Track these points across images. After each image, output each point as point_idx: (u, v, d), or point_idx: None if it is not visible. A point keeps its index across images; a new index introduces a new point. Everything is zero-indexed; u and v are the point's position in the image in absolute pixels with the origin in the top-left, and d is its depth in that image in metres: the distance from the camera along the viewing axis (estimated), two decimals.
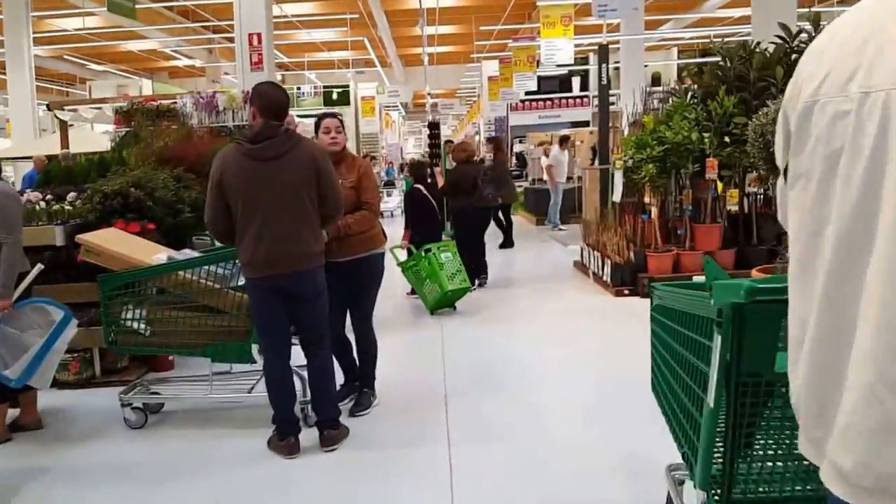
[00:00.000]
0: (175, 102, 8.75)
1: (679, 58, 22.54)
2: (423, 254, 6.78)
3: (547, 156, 14.12)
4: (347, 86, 22.03)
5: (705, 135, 6.90)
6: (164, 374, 4.99)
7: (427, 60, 23.07)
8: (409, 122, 38.70)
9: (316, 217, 3.58)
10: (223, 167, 3.50)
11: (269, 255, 3.47)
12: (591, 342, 5.60)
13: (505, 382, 4.71)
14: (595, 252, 7.77)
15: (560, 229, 12.69)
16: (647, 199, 7.31)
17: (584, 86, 22.64)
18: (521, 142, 20.60)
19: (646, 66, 18.39)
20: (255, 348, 3.89)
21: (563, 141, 13.44)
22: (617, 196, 7.82)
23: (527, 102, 22.33)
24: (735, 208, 7.01)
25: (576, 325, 6.21)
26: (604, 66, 10.76)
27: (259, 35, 9.68)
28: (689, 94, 7.61)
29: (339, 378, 4.13)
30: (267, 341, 3.67)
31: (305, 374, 3.88)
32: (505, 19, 19.99)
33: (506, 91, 19.21)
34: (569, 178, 15.51)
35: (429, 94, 18.87)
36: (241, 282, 3.87)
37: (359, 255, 4.08)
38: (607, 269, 7.25)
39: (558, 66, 21.89)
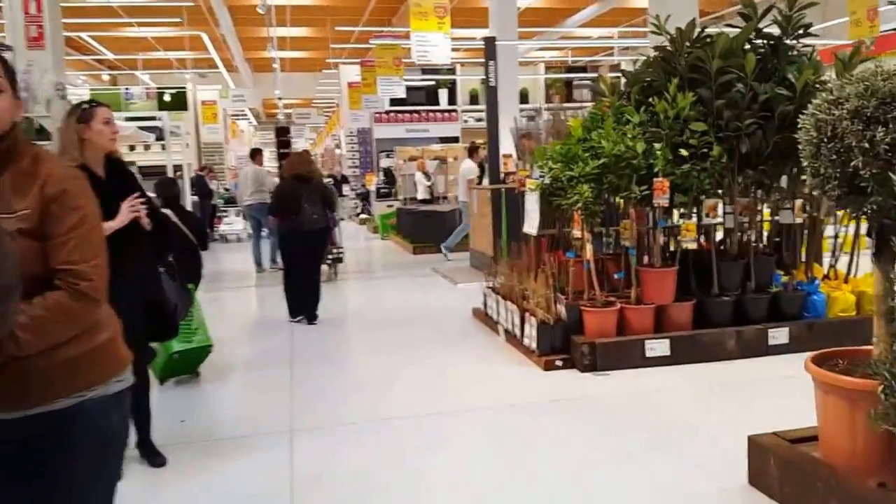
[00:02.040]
0: None
1: (545, 74, 21.52)
2: None
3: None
4: (184, 88, 19.15)
5: (656, 146, 5.07)
6: None
7: (279, 66, 20.63)
8: (262, 133, 35.74)
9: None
10: None
11: None
12: (539, 489, 3.49)
13: None
14: (508, 303, 5.75)
15: (448, 258, 10.64)
16: (576, 233, 5.39)
17: (452, 99, 20.97)
18: (388, 156, 18.51)
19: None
20: None
21: (473, 151, 11.35)
22: (532, 227, 5.85)
23: (393, 114, 20.35)
24: (692, 245, 5.23)
25: (500, 442, 3.90)
26: (491, 63, 8.86)
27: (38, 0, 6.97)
28: (624, 91, 5.79)
29: None
30: None
31: None
32: (366, 21, 17.92)
33: (369, 98, 17.03)
34: (443, 198, 13.56)
35: (279, 98, 16.34)
36: None
37: (41, 407, 1.65)
38: (529, 330, 5.24)
39: (425, 71, 20.28)
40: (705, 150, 5.11)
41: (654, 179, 5.10)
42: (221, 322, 6.84)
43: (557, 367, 4.99)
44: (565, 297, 5.30)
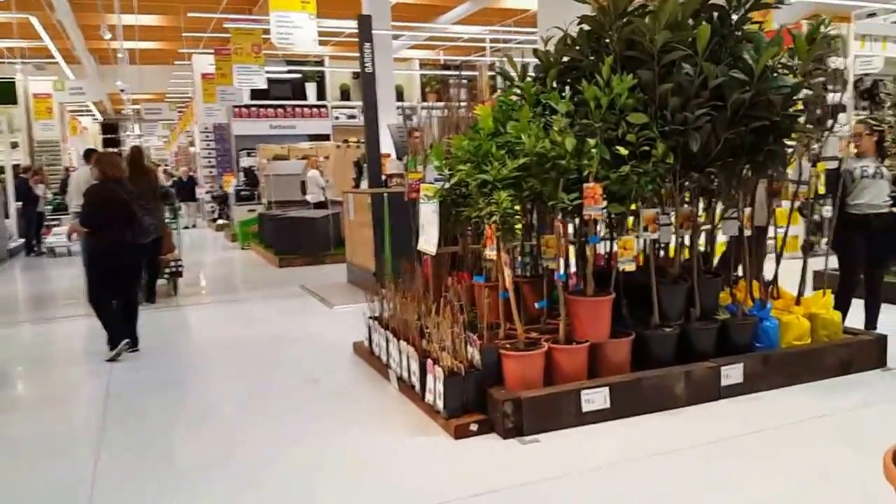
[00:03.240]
0: None
1: (421, 73, 20.43)
2: None
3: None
4: (12, 79, 16.52)
5: (589, 141, 3.94)
6: None
7: (128, 57, 18.25)
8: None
9: None
10: None
11: None
12: None
13: None
14: (402, 343, 4.44)
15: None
16: (488, 252, 4.16)
17: (322, 94, 19.41)
18: (249, 155, 16.71)
19: None
20: None
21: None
22: (430, 243, 4.58)
23: (255, 109, 18.54)
24: (630, 266, 4.14)
25: None
26: (367, 45, 7.52)
27: None
28: (538, 76, 4.63)
29: None
30: None
31: None
32: (224, 9, 16.01)
33: (225, 90, 15.21)
34: (320, 204, 12.04)
35: (122, 91, 14.23)
36: None
37: None
38: (433, 383, 3.96)
39: (291, 62, 18.58)
40: (646, 147, 4.04)
41: (585, 185, 3.97)
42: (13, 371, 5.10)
43: (472, 433, 3.74)
44: (477, 336, 4.07)
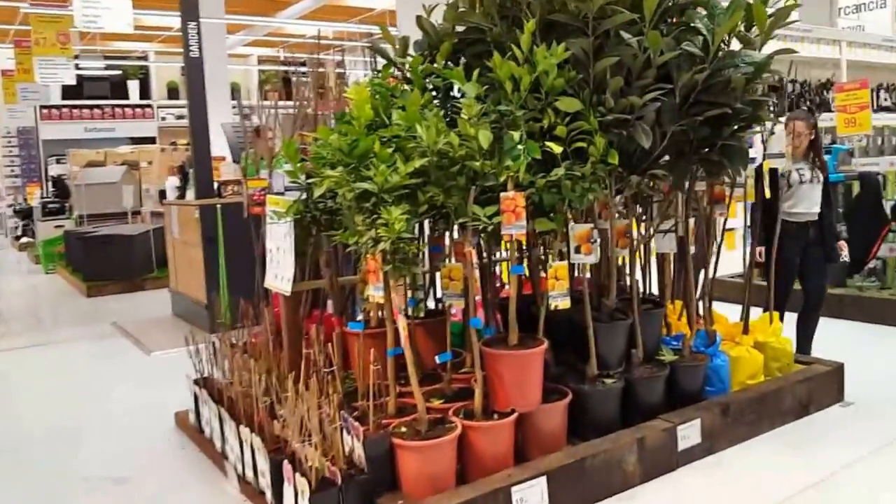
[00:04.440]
0: None
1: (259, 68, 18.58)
2: None
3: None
4: None
5: (514, 135, 2.74)
6: None
7: None
8: None
9: None
10: None
11: None
12: None
13: None
14: (243, 429, 3.02)
15: None
16: (372, 291, 2.83)
17: (146, 93, 17.11)
18: (59, 162, 14.19)
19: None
20: None
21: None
22: (283, 279, 3.20)
23: (66, 110, 15.98)
24: (564, 303, 2.98)
25: None
26: (192, 24, 5.96)
27: None
28: (426, 52, 3.37)
29: None
30: None
31: None
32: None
33: (27, 88, 12.71)
34: (134, 214, 10.09)
35: None
36: None
37: None
38: (293, 498, 2.58)
39: (110, 58, 16.12)
40: (580, 142, 2.91)
41: (503, 195, 2.78)
42: None
43: None
44: (358, 415, 2.76)
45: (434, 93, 3.32)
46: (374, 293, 2.77)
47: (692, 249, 3.57)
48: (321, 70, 4.40)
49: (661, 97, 2.98)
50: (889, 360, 4.55)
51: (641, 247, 3.55)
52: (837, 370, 3.86)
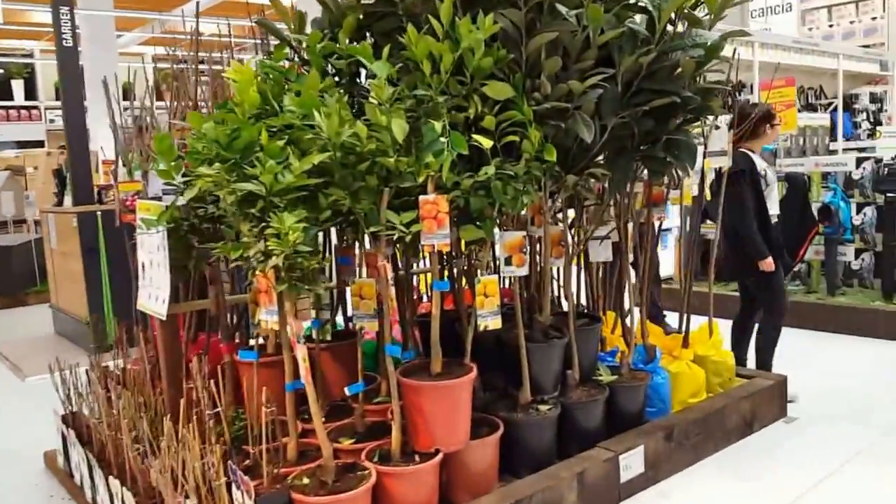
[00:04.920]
0: None
1: (155, 68, 17.41)
2: None
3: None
4: None
5: (435, 125, 2.27)
6: None
7: None
8: None
9: None
10: None
11: None
12: None
13: None
14: (113, 481, 2.43)
15: None
16: (261, 316, 2.31)
17: (32, 93, 15.72)
18: None
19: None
20: None
21: None
22: (158, 298, 2.62)
23: None
24: (494, 323, 2.53)
25: None
26: (64, 9, 5.24)
27: None
28: (327, 29, 2.86)
29: None
30: None
31: None
32: None
33: None
34: (16, 223, 9.09)
35: None
36: None
37: None
38: None
39: None
40: (512, 136, 2.48)
41: (422, 198, 2.31)
42: None
43: None
44: (247, 462, 2.23)
45: (337, 78, 2.82)
46: (267, 318, 2.24)
47: (630, 257, 3.20)
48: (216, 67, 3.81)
49: (603, 83, 2.59)
50: (823, 368, 4.35)
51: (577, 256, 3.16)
52: (780, 384, 3.58)
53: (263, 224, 2.08)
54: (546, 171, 2.60)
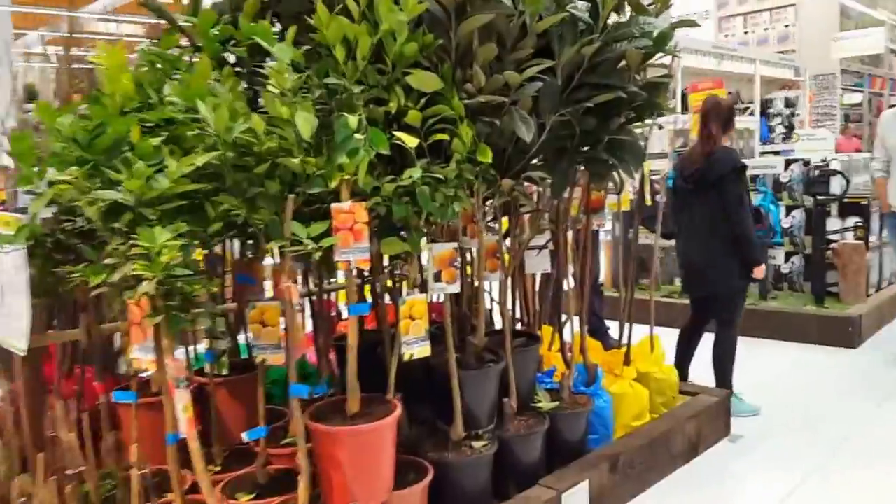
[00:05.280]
0: None
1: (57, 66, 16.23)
2: None
3: None
4: None
5: (349, 119, 1.88)
6: None
7: None
8: None
9: None
10: None
11: None
12: None
13: None
14: None
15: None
16: (133, 354, 1.87)
17: None
18: None
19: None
20: None
21: None
22: (16, 332, 2.13)
23: None
24: (422, 350, 2.17)
25: None
26: None
27: None
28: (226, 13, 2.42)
29: None
30: None
31: None
32: None
33: None
34: None
35: None
36: None
37: None
38: None
39: None
40: (440, 134, 2.11)
41: (335, 206, 1.91)
42: None
43: None
44: None
45: (239, 69, 2.39)
46: (140, 356, 1.80)
47: (570, 269, 2.89)
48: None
49: (542, 76, 2.26)
50: (760, 378, 4.17)
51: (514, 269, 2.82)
52: (724, 400, 3.35)
53: (132, 239, 1.65)
54: (479, 174, 2.25)
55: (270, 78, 1.85)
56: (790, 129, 11.64)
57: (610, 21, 2.44)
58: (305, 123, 1.81)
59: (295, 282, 2.02)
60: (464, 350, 2.52)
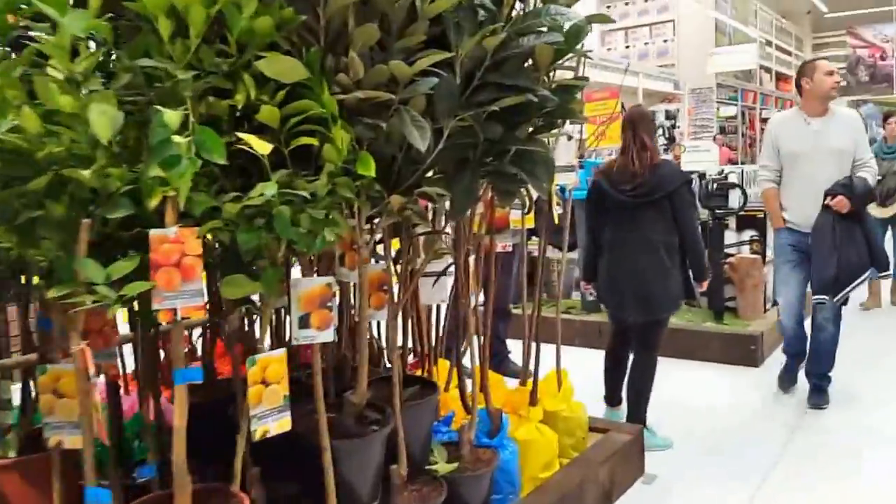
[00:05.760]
0: None
1: None
2: None
3: None
4: None
5: (169, 116, 1.32)
6: None
7: None
8: None
9: None
10: None
11: None
12: None
13: None
14: None
15: None
16: None
17: None
18: None
19: None
20: None
21: None
22: None
23: None
24: (283, 426, 1.64)
25: None
26: None
27: None
28: None
29: None
30: None
31: None
32: None
33: None
34: None
35: None
36: None
37: None
38: None
39: None
40: (309, 137, 1.60)
41: (154, 233, 1.36)
42: None
43: None
44: None
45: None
46: None
47: (473, 298, 2.43)
48: None
49: (437, 70, 1.79)
50: (665, 399, 3.84)
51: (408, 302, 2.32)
52: (638, 437, 3.00)
53: None
54: (361, 189, 1.75)
55: (49, 54, 1.27)
56: (671, 140, 11.86)
57: (515, 11, 2.02)
58: (103, 120, 1.25)
59: (97, 338, 1.44)
60: (340, 408, 2.01)
